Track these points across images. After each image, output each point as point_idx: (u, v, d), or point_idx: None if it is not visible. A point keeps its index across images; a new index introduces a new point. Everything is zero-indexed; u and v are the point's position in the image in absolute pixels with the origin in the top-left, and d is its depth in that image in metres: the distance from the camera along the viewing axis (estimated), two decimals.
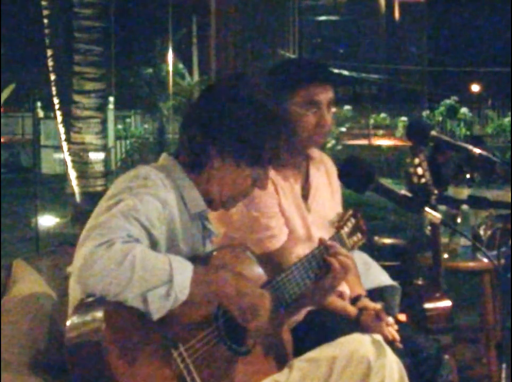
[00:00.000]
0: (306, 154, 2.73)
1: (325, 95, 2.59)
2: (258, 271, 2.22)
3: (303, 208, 2.67)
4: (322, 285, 2.30)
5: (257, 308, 1.98)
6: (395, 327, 2.52)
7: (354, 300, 2.68)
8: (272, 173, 2.52)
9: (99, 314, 1.79)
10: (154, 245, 1.93)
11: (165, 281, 1.81)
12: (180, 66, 20.97)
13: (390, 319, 2.54)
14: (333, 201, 2.76)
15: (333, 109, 2.66)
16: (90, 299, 1.82)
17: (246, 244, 2.54)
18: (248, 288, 1.99)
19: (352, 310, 2.60)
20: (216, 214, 2.40)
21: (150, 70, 20.90)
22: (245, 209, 2.52)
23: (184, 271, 1.86)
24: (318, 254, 2.31)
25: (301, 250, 2.45)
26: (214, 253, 2.13)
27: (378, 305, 2.63)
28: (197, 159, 2.12)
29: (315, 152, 2.77)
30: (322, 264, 2.30)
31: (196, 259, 2.02)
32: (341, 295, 2.70)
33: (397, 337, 2.50)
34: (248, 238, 2.53)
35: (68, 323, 1.85)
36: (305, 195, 2.71)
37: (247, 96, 2.11)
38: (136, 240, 1.86)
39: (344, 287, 2.74)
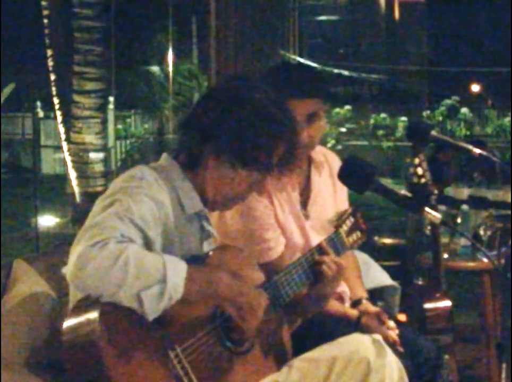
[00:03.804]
0: (308, 157, 2.70)
1: (302, 109, 2.49)
2: (256, 271, 2.22)
3: (300, 216, 2.65)
4: (315, 292, 2.30)
5: (253, 307, 1.98)
6: (397, 330, 2.52)
7: (355, 303, 2.68)
8: (267, 184, 2.50)
9: (95, 315, 1.79)
10: (149, 246, 1.93)
11: (159, 280, 1.81)
12: (191, 66, 20.95)
13: (391, 323, 2.54)
14: (336, 203, 2.75)
15: (321, 121, 2.56)
16: (87, 300, 1.82)
17: None
18: (244, 287, 2.00)
19: (352, 313, 2.60)
20: (213, 224, 2.39)
21: (156, 69, 20.86)
22: (241, 221, 2.52)
23: (178, 270, 1.86)
24: (311, 257, 2.32)
25: None
26: (211, 253, 2.13)
27: (379, 309, 2.63)
28: (194, 158, 2.13)
29: (317, 153, 2.73)
30: (314, 269, 2.31)
31: (193, 259, 2.02)
32: (341, 296, 2.70)
33: (398, 340, 2.50)
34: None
35: (65, 324, 1.85)
36: (305, 201, 2.69)
37: (245, 99, 2.11)
38: (130, 240, 1.86)
39: (344, 288, 2.74)
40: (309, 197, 2.70)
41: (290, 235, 2.61)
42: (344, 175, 2.24)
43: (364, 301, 2.67)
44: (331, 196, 2.76)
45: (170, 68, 18.10)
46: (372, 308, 2.63)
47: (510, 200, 3.90)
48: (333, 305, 2.59)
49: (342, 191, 2.78)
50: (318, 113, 2.55)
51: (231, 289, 1.95)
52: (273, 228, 2.57)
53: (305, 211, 2.67)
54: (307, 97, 2.52)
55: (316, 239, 2.57)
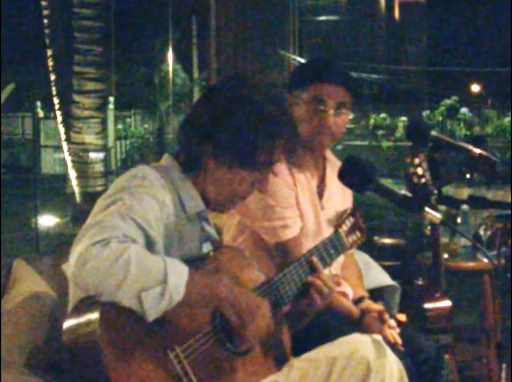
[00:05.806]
0: (322, 155, 2.76)
1: (334, 96, 2.59)
2: (255, 272, 2.21)
3: (317, 204, 2.70)
4: (300, 307, 2.27)
5: (253, 314, 1.97)
6: (397, 329, 2.52)
7: (357, 302, 2.68)
8: (291, 166, 2.61)
9: (95, 315, 1.79)
10: (150, 245, 1.93)
11: (160, 281, 1.81)
12: (177, 66, 20.91)
13: (392, 322, 2.54)
14: (344, 206, 2.76)
15: (347, 114, 2.63)
16: (88, 300, 1.82)
17: (259, 232, 2.56)
18: (245, 294, 1.99)
19: (355, 311, 2.61)
20: None
21: (146, 70, 20.87)
22: (261, 197, 2.55)
23: (179, 272, 1.85)
24: (310, 257, 2.30)
25: (311, 244, 2.45)
26: (211, 254, 2.12)
27: (381, 307, 2.63)
28: (193, 159, 2.13)
29: (331, 155, 2.82)
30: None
31: (193, 260, 2.02)
32: (344, 295, 2.71)
33: (399, 339, 2.50)
34: (261, 226, 2.57)
35: (65, 324, 1.85)
36: (320, 193, 2.74)
37: (243, 98, 2.10)
38: (132, 240, 1.86)
39: (347, 288, 2.74)
40: (324, 191, 2.75)
41: (306, 219, 2.65)
42: (345, 175, 2.24)
43: (366, 299, 2.68)
44: (340, 197, 2.80)
45: (170, 68, 18.09)
46: (374, 306, 2.64)
47: (510, 200, 3.90)
48: (339, 301, 2.61)
49: (350, 198, 2.84)
50: (346, 104, 2.62)
51: (232, 293, 1.94)
52: (293, 208, 2.61)
53: (320, 202, 2.71)
54: (339, 84, 2.59)
55: (327, 231, 2.60)
